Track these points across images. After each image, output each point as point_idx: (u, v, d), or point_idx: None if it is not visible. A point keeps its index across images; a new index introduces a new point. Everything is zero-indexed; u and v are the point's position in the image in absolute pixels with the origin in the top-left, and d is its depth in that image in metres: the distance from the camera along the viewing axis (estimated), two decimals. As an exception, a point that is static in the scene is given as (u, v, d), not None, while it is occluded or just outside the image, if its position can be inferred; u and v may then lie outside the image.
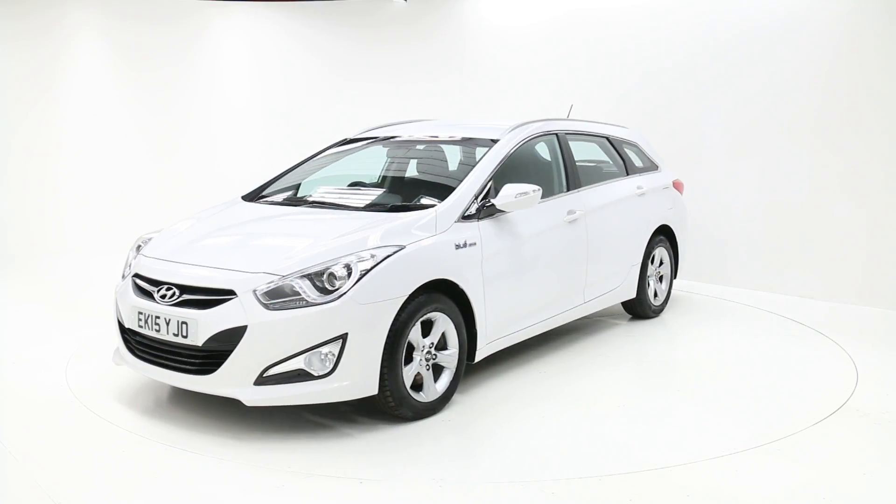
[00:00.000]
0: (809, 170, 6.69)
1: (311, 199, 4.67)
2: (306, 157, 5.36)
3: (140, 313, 3.85)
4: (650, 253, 5.76)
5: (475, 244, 4.12)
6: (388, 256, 3.68)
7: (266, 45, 9.87)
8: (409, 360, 3.80)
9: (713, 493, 3.10)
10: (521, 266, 4.47)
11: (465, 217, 4.16)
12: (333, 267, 3.59)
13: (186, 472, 3.32)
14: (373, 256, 3.66)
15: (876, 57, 6.24)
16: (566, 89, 8.25)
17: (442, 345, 3.99)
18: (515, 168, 4.69)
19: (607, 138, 5.77)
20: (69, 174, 9.20)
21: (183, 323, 3.63)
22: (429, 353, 3.89)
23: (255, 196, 4.88)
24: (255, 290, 3.55)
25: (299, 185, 5.01)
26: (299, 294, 3.53)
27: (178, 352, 3.70)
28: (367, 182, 5.01)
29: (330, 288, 3.55)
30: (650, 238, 5.73)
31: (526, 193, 4.25)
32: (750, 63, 6.95)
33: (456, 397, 4.18)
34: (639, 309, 5.80)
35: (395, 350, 3.66)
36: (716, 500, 3.04)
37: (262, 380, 3.52)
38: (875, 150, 6.29)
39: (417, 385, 3.89)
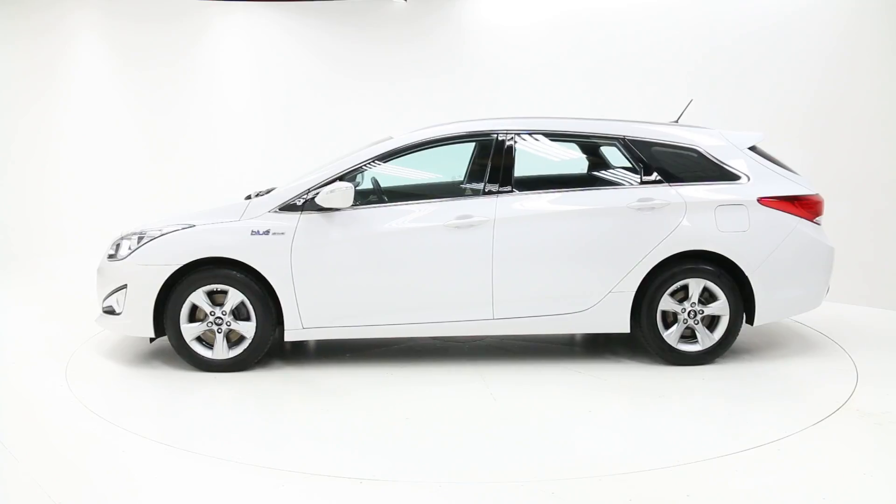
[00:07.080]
0: (809, 170, 6.68)
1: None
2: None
3: None
4: (669, 282, 4.69)
5: (283, 234, 4.54)
6: (172, 232, 4.56)
7: (266, 45, 9.86)
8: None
9: (713, 493, 3.10)
10: (353, 263, 4.58)
11: (287, 209, 4.60)
12: (133, 235, 4.66)
13: (186, 472, 3.32)
14: (160, 230, 4.58)
15: (876, 57, 6.23)
16: (567, 89, 8.25)
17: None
18: (412, 167, 5.03)
19: (622, 140, 4.86)
20: (69, 174, 9.20)
21: None
22: (219, 318, 4.55)
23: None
24: (112, 246, 4.76)
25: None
26: (118, 252, 4.66)
27: None
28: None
29: (133, 249, 4.58)
30: (663, 262, 4.68)
31: (333, 191, 4.51)
32: (750, 64, 6.95)
33: (459, 399, 4.19)
34: (650, 350, 4.81)
35: (177, 307, 4.51)
36: (716, 500, 3.04)
37: (104, 310, 4.72)
38: (875, 150, 6.29)
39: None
